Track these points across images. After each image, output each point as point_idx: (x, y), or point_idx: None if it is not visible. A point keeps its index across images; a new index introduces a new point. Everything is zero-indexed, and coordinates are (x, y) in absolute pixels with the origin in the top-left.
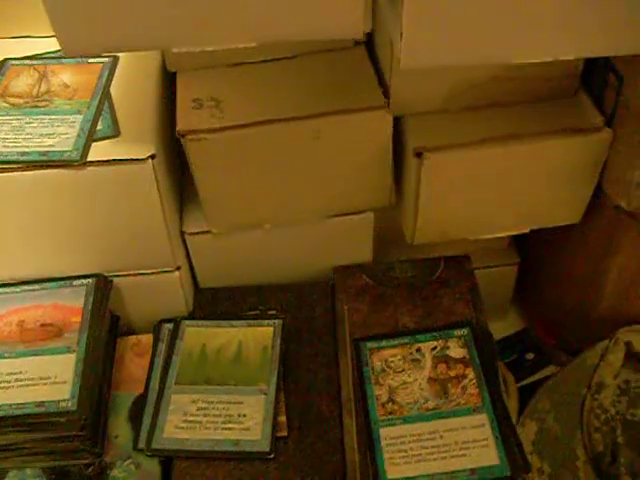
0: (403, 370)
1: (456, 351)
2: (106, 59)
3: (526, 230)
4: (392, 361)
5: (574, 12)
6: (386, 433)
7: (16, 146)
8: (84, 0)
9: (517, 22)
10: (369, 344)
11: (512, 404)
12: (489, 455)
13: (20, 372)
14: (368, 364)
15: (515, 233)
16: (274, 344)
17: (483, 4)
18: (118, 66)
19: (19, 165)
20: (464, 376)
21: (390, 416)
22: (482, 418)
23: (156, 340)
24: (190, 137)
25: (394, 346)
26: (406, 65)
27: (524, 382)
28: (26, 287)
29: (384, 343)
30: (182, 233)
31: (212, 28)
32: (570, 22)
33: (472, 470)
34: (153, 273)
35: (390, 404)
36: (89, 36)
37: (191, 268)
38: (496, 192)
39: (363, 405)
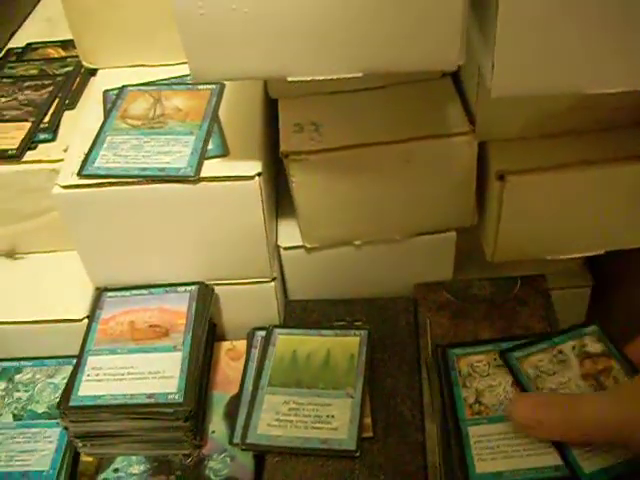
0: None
1: (594, 346)
2: (214, 86)
3: (601, 251)
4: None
5: None
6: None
7: (136, 162)
8: (214, 34)
9: (598, 54)
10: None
11: None
12: None
13: (132, 367)
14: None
15: (591, 254)
16: (360, 352)
17: (568, 39)
18: (224, 93)
19: (140, 179)
20: (611, 368)
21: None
22: None
23: (250, 346)
24: (292, 157)
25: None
26: (496, 94)
27: None
28: (135, 291)
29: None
30: (277, 247)
31: (325, 60)
32: None
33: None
34: (250, 283)
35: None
36: (216, 65)
37: (282, 280)
38: (573, 214)
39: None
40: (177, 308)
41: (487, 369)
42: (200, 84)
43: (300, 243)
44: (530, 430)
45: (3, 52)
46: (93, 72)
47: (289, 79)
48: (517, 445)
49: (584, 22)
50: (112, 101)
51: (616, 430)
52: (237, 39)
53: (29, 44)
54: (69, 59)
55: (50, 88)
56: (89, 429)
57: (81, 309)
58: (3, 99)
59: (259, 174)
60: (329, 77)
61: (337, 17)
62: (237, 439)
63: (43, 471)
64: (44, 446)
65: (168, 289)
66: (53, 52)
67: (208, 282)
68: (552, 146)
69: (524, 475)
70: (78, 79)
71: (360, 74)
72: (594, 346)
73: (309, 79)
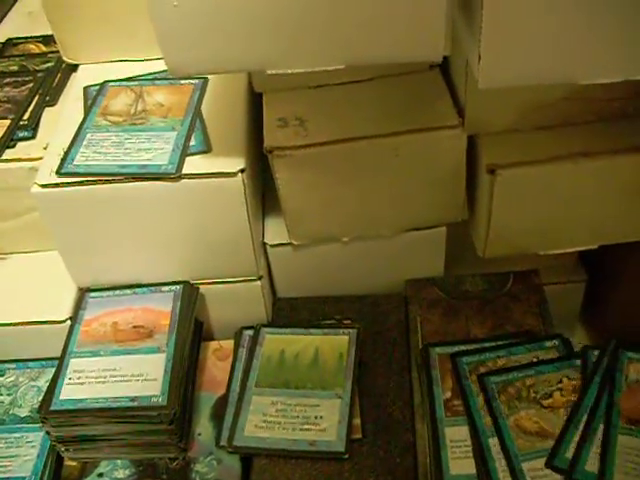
0: None
1: None
2: (196, 81)
3: (595, 246)
4: None
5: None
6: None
7: (116, 160)
8: (189, 27)
9: (589, 43)
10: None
11: None
12: None
13: (114, 369)
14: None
15: (584, 248)
16: (349, 351)
17: (557, 28)
18: (208, 87)
19: (120, 177)
20: None
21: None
22: None
23: (237, 345)
24: (277, 153)
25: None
26: (484, 85)
27: None
28: (119, 292)
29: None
30: (264, 244)
31: (306, 52)
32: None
33: None
34: (237, 282)
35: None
36: (192, 59)
37: (270, 278)
38: (566, 208)
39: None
40: (161, 308)
41: None
42: (183, 79)
43: (287, 240)
44: None
45: None
46: (74, 68)
47: (268, 72)
48: None
49: (575, 9)
50: (93, 97)
51: None
52: (213, 31)
53: (10, 39)
54: (50, 54)
55: (30, 84)
56: (71, 433)
57: (64, 310)
58: None
59: (242, 170)
60: (309, 70)
61: (316, 6)
62: (224, 441)
63: (25, 477)
64: (26, 451)
65: (152, 289)
66: (34, 47)
67: (194, 281)
68: (544, 138)
69: None
70: (59, 75)
71: (342, 66)
72: None
73: (289, 72)
